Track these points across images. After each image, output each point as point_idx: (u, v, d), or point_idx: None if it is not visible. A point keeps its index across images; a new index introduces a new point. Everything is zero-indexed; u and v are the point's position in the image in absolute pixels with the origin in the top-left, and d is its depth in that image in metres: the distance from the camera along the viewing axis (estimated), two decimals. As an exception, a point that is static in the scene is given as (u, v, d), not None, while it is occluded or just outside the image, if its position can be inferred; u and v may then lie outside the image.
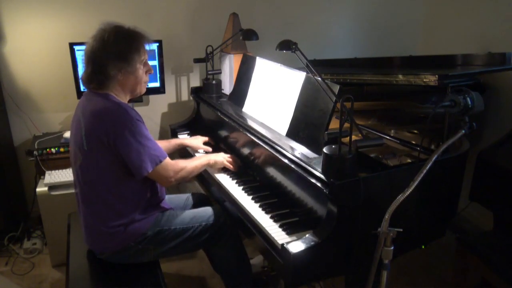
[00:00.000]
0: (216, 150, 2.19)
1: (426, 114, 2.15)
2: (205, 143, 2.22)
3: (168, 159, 1.64)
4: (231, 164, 1.96)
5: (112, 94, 1.60)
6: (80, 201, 1.66)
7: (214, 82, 2.51)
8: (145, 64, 1.65)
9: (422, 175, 1.26)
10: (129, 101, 1.71)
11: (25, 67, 2.55)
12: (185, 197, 2.07)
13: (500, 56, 2.05)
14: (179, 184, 2.91)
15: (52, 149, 2.39)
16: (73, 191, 1.70)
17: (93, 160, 1.55)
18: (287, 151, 1.63)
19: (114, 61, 1.55)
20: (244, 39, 2.33)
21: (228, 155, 1.99)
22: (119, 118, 1.51)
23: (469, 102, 1.37)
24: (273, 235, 1.47)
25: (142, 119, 1.59)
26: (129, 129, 1.51)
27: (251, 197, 1.73)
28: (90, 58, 1.56)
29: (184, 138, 2.32)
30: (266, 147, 1.74)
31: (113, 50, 1.54)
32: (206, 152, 2.16)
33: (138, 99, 2.44)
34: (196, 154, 2.18)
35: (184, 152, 2.29)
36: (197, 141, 2.21)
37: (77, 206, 1.69)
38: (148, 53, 1.66)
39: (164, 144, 2.14)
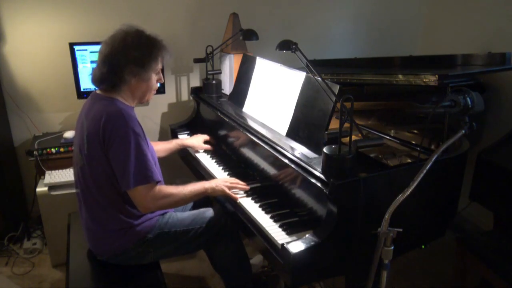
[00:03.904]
0: (217, 149, 2.19)
1: (426, 114, 2.15)
2: (206, 142, 2.22)
3: (155, 184, 1.54)
4: (235, 187, 1.76)
5: (119, 99, 1.58)
6: (81, 202, 1.66)
7: (214, 82, 2.51)
8: (158, 73, 1.65)
9: (422, 175, 1.26)
10: None
11: (25, 67, 2.55)
12: (186, 197, 2.06)
13: (500, 56, 2.05)
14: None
15: (52, 149, 2.39)
16: (73, 191, 1.71)
17: (92, 164, 1.54)
18: (287, 151, 1.63)
19: (131, 65, 1.53)
20: (244, 39, 2.33)
21: (231, 181, 1.78)
22: (116, 125, 1.48)
23: (469, 102, 1.37)
24: (273, 235, 1.47)
25: (142, 132, 1.55)
26: (121, 139, 1.47)
27: (251, 197, 1.73)
28: (108, 59, 1.53)
29: (184, 138, 2.30)
30: (266, 147, 1.74)
31: (133, 55, 1.52)
32: (207, 154, 2.14)
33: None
34: (196, 155, 2.18)
35: (185, 152, 2.29)
36: (198, 140, 2.21)
37: (78, 206, 1.69)
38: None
39: (165, 145, 2.14)
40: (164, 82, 2.66)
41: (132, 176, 1.48)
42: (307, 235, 1.35)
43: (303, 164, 1.51)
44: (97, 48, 1.64)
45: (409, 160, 1.72)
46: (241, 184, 1.79)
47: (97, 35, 1.59)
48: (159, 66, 1.63)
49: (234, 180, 1.80)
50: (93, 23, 2.56)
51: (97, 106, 1.55)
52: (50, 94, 2.64)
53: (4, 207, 2.53)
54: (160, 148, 2.11)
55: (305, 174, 1.48)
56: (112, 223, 1.60)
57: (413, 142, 1.82)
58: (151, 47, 1.57)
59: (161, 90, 2.66)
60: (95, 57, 1.68)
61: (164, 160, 2.10)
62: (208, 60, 2.51)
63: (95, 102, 1.58)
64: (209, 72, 2.51)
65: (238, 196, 1.74)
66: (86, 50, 2.41)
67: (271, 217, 1.58)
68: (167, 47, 1.64)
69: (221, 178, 1.86)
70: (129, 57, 1.52)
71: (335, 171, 1.37)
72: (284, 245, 1.33)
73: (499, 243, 1.88)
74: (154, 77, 1.63)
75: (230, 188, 1.75)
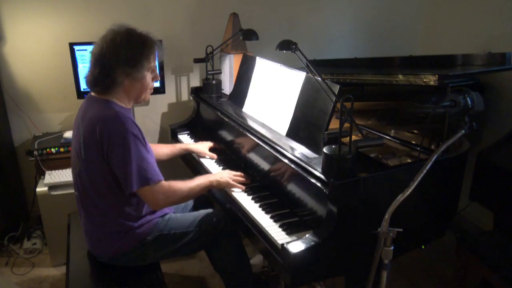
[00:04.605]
0: (223, 155, 2.17)
1: (426, 114, 2.15)
2: (212, 149, 2.18)
3: (161, 182, 1.55)
4: (238, 182, 1.80)
5: (115, 101, 1.56)
6: (80, 205, 1.65)
7: (214, 82, 2.51)
8: (153, 71, 1.61)
9: (422, 175, 1.26)
10: None
11: (25, 67, 2.55)
12: (186, 198, 2.06)
13: (500, 56, 2.05)
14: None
15: (52, 149, 2.39)
16: (73, 191, 1.70)
17: (89, 168, 1.53)
18: (287, 151, 1.62)
19: (122, 66, 1.50)
20: (244, 39, 2.33)
21: (234, 173, 1.83)
22: (114, 129, 1.46)
23: (469, 102, 1.37)
24: (273, 235, 1.47)
25: (141, 133, 1.53)
26: (121, 142, 1.46)
27: (251, 197, 1.73)
28: (98, 60, 1.50)
29: (189, 143, 2.26)
30: (266, 147, 1.74)
31: (123, 55, 1.49)
32: (212, 159, 2.13)
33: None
34: (201, 160, 2.14)
35: (189, 157, 2.26)
36: (203, 146, 2.17)
37: (78, 209, 1.69)
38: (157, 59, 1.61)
39: (169, 149, 2.13)
40: (164, 82, 2.66)
41: (135, 178, 1.48)
42: (307, 235, 1.35)
43: (303, 164, 1.51)
44: (96, 48, 1.62)
45: (409, 160, 1.72)
46: (245, 177, 1.82)
47: (97, 35, 1.58)
48: (152, 64, 1.59)
49: (238, 173, 1.83)
50: (93, 23, 2.56)
51: (92, 109, 1.53)
52: (50, 94, 2.64)
53: (4, 207, 2.53)
54: (164, 151, 2.10)
55: (305, 174, 1.48)
56: (111, 226, 1.60)
57: (413, 142, 1.82)
58: (141, 45, 1.53)
59: (161, 90, 2.66)
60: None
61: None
62: (208, 60, 2.51)
63: (91, 104, 1.57)
64: (209, 72, 2.51)
65: (239, 192, 1.75)
66: (86, 50, 2.41)
67: (271, 217, 1.58)
68: (159, 44, 1.61)
69: (224, 171, 1.87)
70: (119, 57, 1.49)
71: (335, 171, 1.37)
72: (284, 245, 1.33)
73: (499, 243, 1.88)
74: (148, 76, 1.59)
75: (234, 180, 1.78)
